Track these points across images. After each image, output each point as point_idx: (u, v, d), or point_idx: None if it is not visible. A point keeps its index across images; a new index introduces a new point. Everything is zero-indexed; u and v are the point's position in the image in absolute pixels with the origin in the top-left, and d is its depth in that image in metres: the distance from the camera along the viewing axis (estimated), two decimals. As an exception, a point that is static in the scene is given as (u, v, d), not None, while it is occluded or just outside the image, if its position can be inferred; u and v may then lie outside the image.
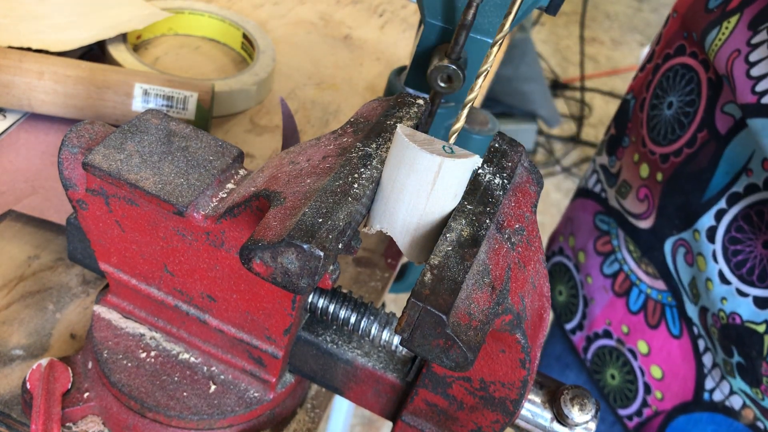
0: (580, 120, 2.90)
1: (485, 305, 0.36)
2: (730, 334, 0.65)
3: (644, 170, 0.75)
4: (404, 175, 0.38)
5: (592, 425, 0.45)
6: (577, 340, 0.85)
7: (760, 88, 0.61)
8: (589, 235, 0.84)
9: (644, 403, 0.77)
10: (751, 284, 0.64)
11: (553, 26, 3.36)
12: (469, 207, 0.40)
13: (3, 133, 0.71)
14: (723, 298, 0.66)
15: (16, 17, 0.78)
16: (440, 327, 0.34)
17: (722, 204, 0.66)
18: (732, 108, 0.66)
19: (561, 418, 0.45)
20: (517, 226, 0.41)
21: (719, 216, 0.66)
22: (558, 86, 2.96)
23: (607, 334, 0.80)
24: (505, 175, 0.43)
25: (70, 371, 0.51)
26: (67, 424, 0.51)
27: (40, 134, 0.72)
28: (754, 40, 0.62)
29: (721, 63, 0.65)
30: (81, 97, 0.71)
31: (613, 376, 0.80)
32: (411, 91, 0.66)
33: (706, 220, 0.67)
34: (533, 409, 0.46)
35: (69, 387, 0.51)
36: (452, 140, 0.39)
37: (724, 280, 0.66)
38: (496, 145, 0.45)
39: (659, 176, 0.73)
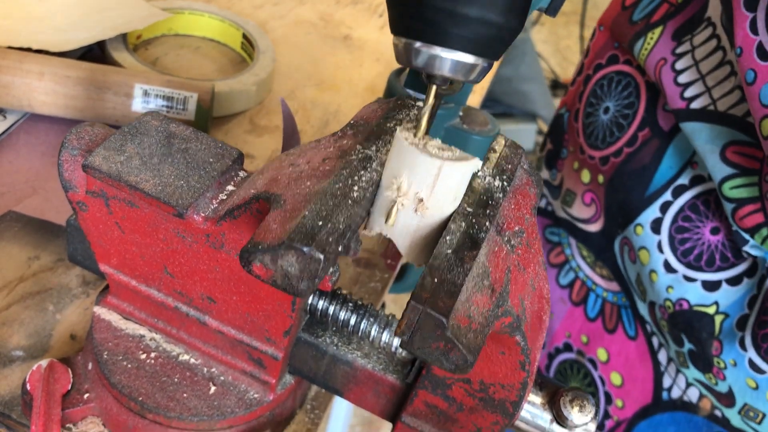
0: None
1: (485, 308, 0.36)
2: (678, 322, 0.67)
3: (585, 176, 0.78)
4: (404, 178, 0.38)
5: (592, 427, 0.45)
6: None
7: (688, 94, 0.64)
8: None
9: (606, 415, 0.78)
10: (699, 269, 0.66)
11: (553, 26, 3.36)
12: (468, 209, 0.40)
13: (3, 133, 0.71)
14: (669, 287, 0.67)
15: (17, 18, 0.78)
16: (440, 330, 0.34)
17: (667, 196, 0.68)
18: None
19: (560, 419, 0.45)
20: (516, 228, 0.41)
21: (665, 208, 0.68)
22: (558, 86, 2.95)
23: (568, 348, 0.81)
24: (504, 177, 0.43)
25: (70, 372, 0.51)
26: (67, 425, 0.51)
27: (41, 135, 0.72)
28: (679, 50, 0.66)
29: (650, 69, 0.68)
30: (81, 97, 0.71)
31: None
32: (411, 92, 0.66)
33: (650, 213, 0.69)
34: (533, 410, 0.46)
35: (69, 388, 0.51)
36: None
37: (669, 269, 0.68)
38: (496, 147, 0.45)
39: (600, 178, 0.75)
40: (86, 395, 0.51)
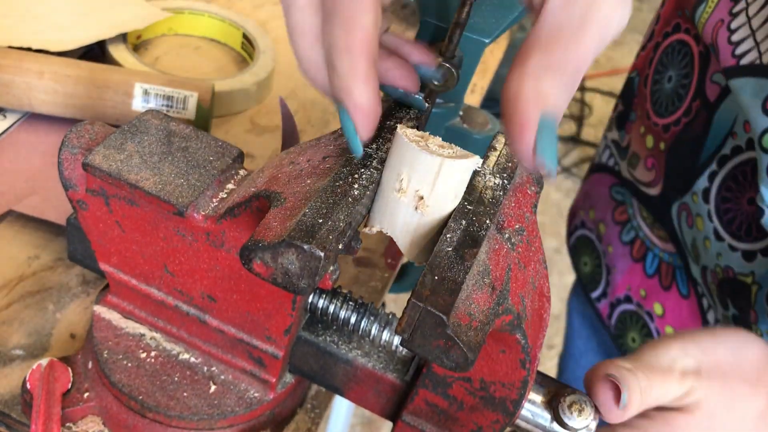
0: (580, 120, 2.90)
1: (485, 306, 0.36)
2: (726, 288, 0.70)
3: (649, 141, 0.80)
4: (405, 176, 0.38)
5: (593, 425, 0.45)
6: (602, 307, 0.89)
7: (738, 51, 0.66)
8: (607, 207, 0.89)
9: None
10: (740, 239, 0.68)
11: (553, 26, 3.35)
12: (469, 207, 0.40)
13: (3, 133, 0.71)
14: (719, 254, 0.70)
15: (16, 17, 0.78)
16: (441, 327, 0.34)
17: (714, 166, 0.70)
18: (719, 77, 0.70)
19: (560, 423, 0.45)
20: (517, 226, 0.41)
21: (712, 177, 0.71)
22: (558, 86, 2.95)
23: (628, 299, 0.85)
24: (505, 175, 0.43)
25: (70, 371, 0.51)
26: (67, 425, 0.51)
27: (41, 134, 0.72)
28: (735, 10, 0.67)
29: (708, 33, 0.70)
30: (81, 96, 0.71)
31: (633, 339, 0.85)
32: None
33: (701, 183, 0.72)
34: (533, 409, 0.46)
35: (69, 387, 0.51)
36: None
37: (718, 237, 0.70)
38: (496, 145, 0.45)
39: (662, 145, 0.78)
40: (86, 394, 0.51)
